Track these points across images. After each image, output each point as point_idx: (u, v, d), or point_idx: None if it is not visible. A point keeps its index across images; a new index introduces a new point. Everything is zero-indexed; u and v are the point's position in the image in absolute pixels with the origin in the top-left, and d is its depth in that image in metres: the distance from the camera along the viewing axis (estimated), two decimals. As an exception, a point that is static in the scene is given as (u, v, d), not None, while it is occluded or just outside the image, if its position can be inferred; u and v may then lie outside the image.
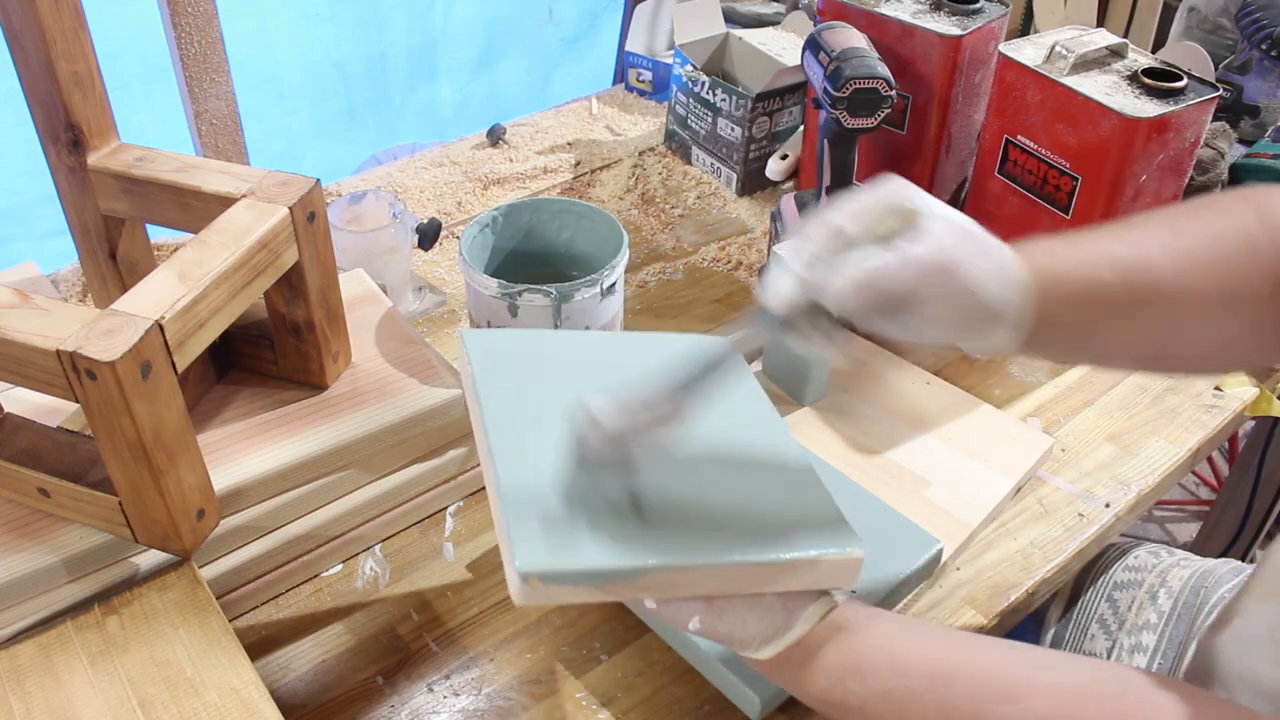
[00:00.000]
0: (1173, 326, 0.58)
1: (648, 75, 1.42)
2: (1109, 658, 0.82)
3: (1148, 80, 0.86)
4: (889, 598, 0.70)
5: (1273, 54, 1.25)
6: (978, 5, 1.00)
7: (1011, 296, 0.54)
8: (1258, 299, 0.58)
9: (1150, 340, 0.59)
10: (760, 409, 0.67)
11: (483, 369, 0.64)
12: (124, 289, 0.63)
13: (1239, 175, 1.07)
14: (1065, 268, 0.56)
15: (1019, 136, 0.92)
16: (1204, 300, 0.57)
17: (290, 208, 0.69)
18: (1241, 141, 1.20)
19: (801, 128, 1.21)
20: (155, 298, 0.60)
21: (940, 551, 0.73)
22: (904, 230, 0.53)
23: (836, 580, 0.56)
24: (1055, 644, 0.86)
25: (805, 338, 0.54)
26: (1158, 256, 0.57)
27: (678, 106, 1.27)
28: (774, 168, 1.19)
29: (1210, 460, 2.05)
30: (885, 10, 1.00)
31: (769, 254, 0.95)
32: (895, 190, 0.54)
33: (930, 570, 0.74)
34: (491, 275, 0.79)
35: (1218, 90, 0.86)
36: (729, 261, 1.11)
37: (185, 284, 0.62)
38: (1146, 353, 0.61)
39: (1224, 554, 1.48)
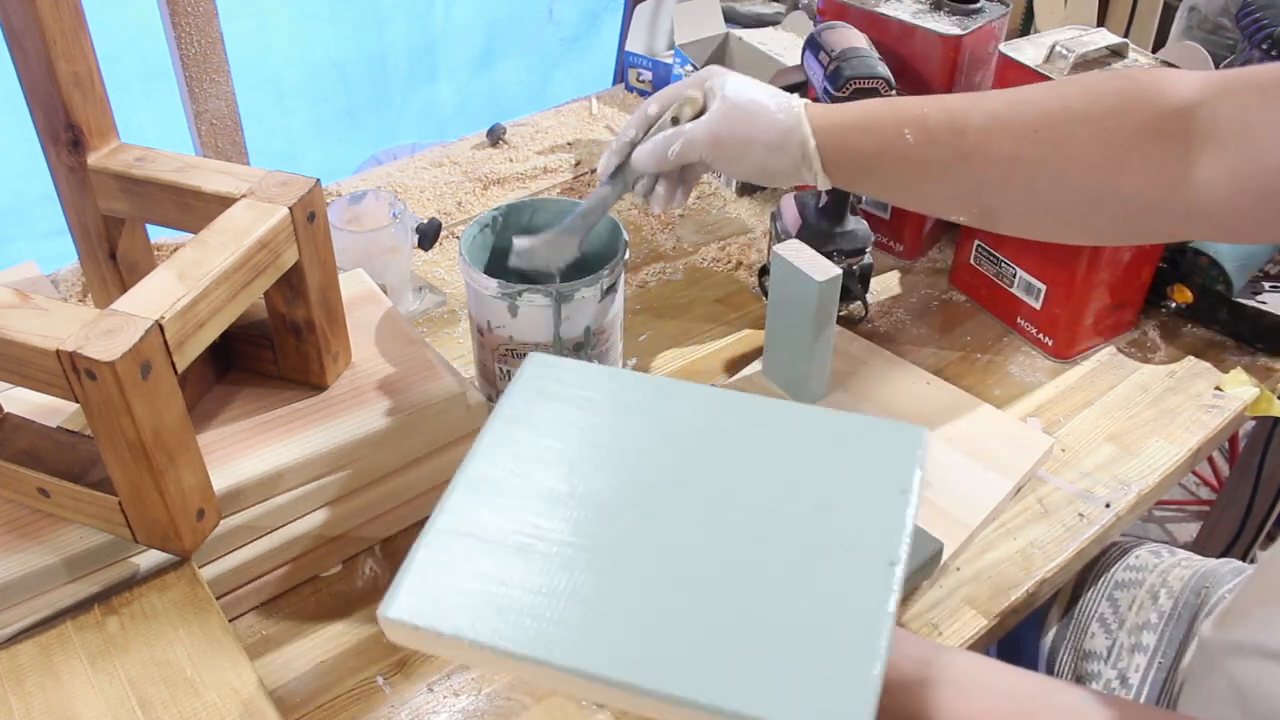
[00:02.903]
0: (986, 185, 0.67)
1: (648, 75, 1.42)
2: (1109, 657, 0.82)
3: (1148, 80, 0.86)
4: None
5: (1273, 54, 1.25)
6: (978, 5, 1.00)
7: (792, 123, 0.70)
8: (1088, 169, 0.63)
9: (969, 196, 0.68)
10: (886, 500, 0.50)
11: (519, 391, 0.56)
12: (124, 289, 0.63)
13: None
14: (844, 108, 0.71)
15: (1019, 136, 0.92)
16: (1019, 164, 0.65)
17: (290, 208, 0.69)
18: (1241, 141, 1.20)
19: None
20: (155, 298, 0.60)
21: (940, 551, 0.73)
22: (701, 107, 0.73)
23: None
24: (1055, 643, 0.86)
25: (638, 192, 0.76)
26: (976, 121, 0.65)
27: (678, 106, 1.26)
28: (774, 168, 1.19)
29: (1210, 460, 2.05)
30: (885, 10, 1.00)
31: (769, 254, 0.95)
32: (698, 76, 0.72)
33: (930, 570, 0.74)
34: (491, 275, 0.79)
35: (1218, 90, 0.86)
36: (729, 261, 1.11)
37: (185, 284, 0.62)
38: (972, 209, 0.69)
39: (1224, 554, 1.48)
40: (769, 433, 0.54)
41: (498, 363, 0.84)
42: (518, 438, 0.54)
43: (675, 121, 0.73)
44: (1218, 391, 0.95)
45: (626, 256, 0.82)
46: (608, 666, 0.44)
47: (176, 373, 0.61)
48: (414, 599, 0.47)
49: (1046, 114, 0.64)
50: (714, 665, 0.44)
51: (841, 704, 0.42)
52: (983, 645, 0.74)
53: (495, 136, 1.31)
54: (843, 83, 0.88)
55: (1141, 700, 0.79)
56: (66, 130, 0.71)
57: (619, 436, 0.54)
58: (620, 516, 0.51)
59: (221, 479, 0.68)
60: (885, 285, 1.08)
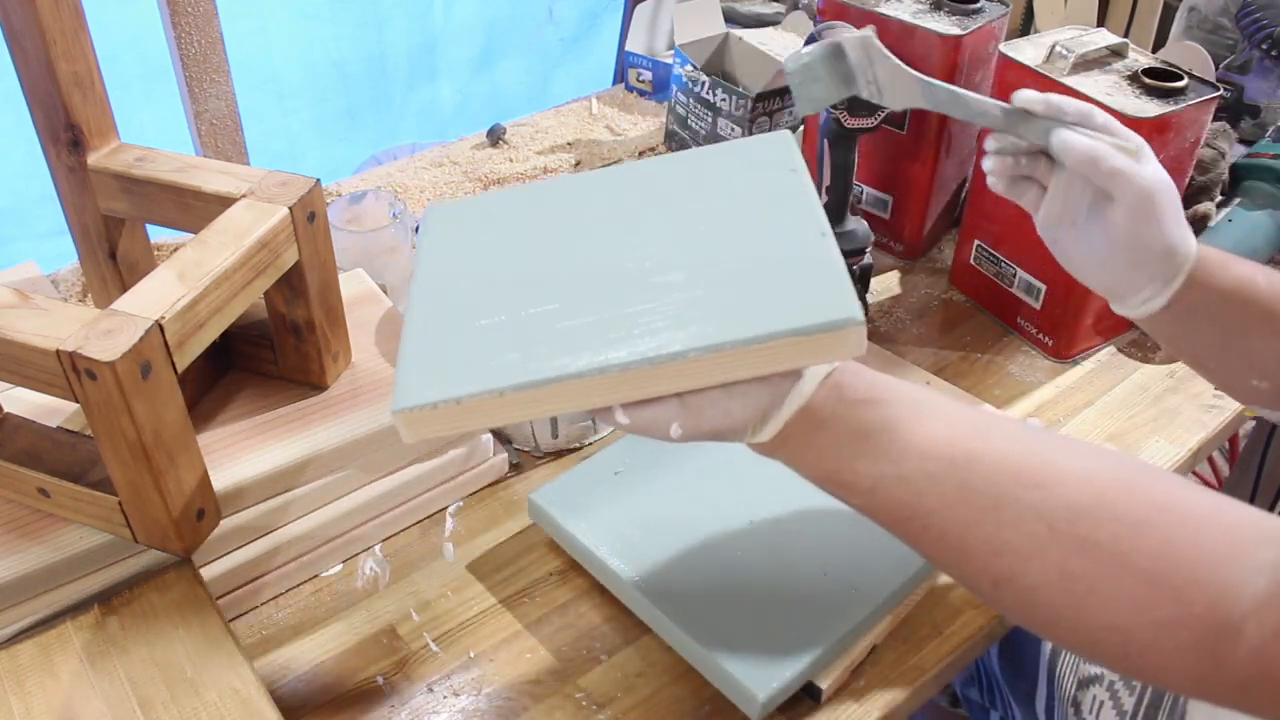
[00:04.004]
0: None
1: (648, 75, 1.42)
2: (1109, 658, 0.82)
3: (1148, 80, 0.86)
4: (889, 598, 0.70)
5: (1273, 54, 1.25)
6: (978, 5, 1.00)
7: (1185, 248, 0.62)
8: None
9: None
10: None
11: (431, 237, 0.61)
12: (124, 289, 0.63)
13: (1239, 175, 1.07)
14: (1226, 257, 0.63)
15: (1019, 136, 0.92)
16: None
17: (290, 208, 0.69)
18: (1242, 141, 1.20)
19: (801, 128, 1.21)
20: (155, 298, 0.60)
21: (940, 551, 0.73)
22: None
23: (830, 356, 0.49)
24: (1056, 646, 0.86)
25: (1007, 138, 0.64)
26: None
27: (678, 106, 1.27)
28: (774, 168, 1.19)
29: (1210, 460, 2.05)
30: (885, 10, 1.00)
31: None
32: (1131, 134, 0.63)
33: (930, 570, 0.74)
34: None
35: (1218, 90, 0.86)
36: (729, 261, 1.11)
37: (185, 284, 0.62)
38: None
39: (1224, 554, 1.48)
40: (668, 175, 0.61)
41: (498, 362, 0.84)
42: (447, 254, 0.59)
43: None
44: (1218, 392, 0.95)
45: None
46: (631, 354, 0.49)
47: (176, 373, 0.61)
48: (414, 388, 0.51)
49: None
50: (706, 319, 0.49)
51: (825, 295, 0.49)
52: (982, 646, 0.74)
53: (495, 136, 1.31)
54: (843, 83, 0.88)
55: (1144, 705, 0.79)
56: (66, 130, 0.71)
57: (537, 216, 0.60)
58: (561, 260, 0.56)
59: (221, 479, 0.68)
60: (885, 285, 1.08)
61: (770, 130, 1.19)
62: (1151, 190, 0.60)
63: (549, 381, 0.49)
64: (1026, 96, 0.62)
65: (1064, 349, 0.97)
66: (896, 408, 0.52)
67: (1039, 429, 0.54)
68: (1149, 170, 0.61)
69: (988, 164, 0.67)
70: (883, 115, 0.90)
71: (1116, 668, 0.49)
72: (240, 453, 0.71)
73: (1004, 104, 0.63)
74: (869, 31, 0.61)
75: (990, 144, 0.67)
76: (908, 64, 1.00)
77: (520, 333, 0.52)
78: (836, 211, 0.95)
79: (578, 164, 1.27)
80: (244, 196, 0.69)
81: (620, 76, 1.50)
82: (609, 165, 0.60)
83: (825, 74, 0.62)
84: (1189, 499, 0.48)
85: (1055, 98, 0.62)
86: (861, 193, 1.12)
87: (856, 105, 0.89)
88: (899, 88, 0.62)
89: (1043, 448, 0.50)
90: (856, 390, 0.52)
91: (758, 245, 0.53)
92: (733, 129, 1.19)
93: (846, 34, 0.61)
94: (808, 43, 0.95)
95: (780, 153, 0.60)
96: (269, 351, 0.77)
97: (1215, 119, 1.03)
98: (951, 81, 0.99)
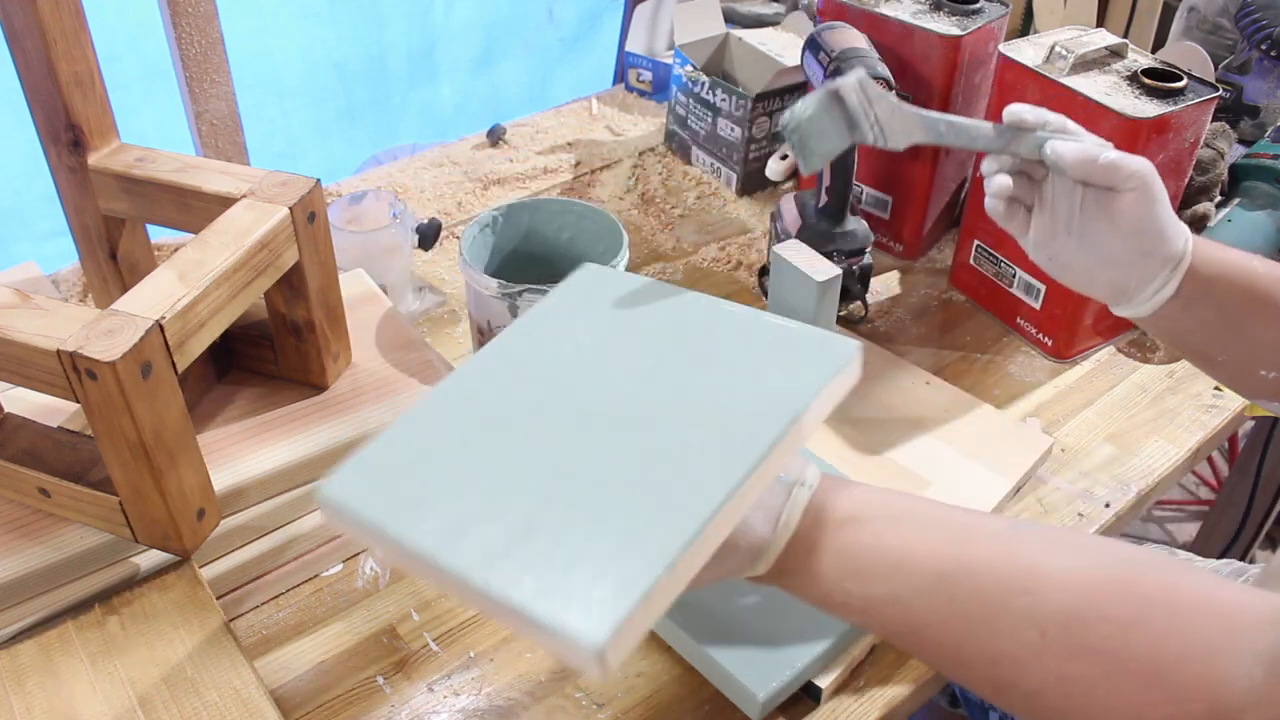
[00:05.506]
0: None
1: (648, 75, 1.42)
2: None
3: (1147, 80, 0.86)
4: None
5: (1273, 54, 1.25)
6: (978, 5, 1.00)
7: (1183, 231, 0.63)
8: None
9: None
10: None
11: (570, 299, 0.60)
12: (124, 289, 0.63)
13: (1239, 175, 1.07)
14: (1224, 250, 0.65)
15: (1019, 136, 0.92)
16: None
17: (290, 208, 0.69)
18: (1241, 142, 1.20)
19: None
20: (155, 298, 0.60)
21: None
22: None
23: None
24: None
25: (1005, 157, 0.66)
26: None
27: (678, 106, 1.27)
28: (774, 168, 1.19)
29: (1210, 460, 2.05)
30: (885, 10, 1.00)
31: (769, 254, 0.95)
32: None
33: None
34: (491, 275, 0.79)
35: (1218, 90, 0.86)
36: (729, 262, 1.11)
37: (185, 284, 0.62)
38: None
39: (1224, 554, 1.49)
40: (724, 339, 0.56)
41: (498, 363, 0.84)
42: (503, 358, 0.57)
43: None
44: (1217, 391, 0.95)
45: (626, 257, 0.82)
46: (442, 554, 0.45)
47: (177, 373, 0.61)
48: (356, 483, 0.50)
49: None
50: (521, 555, 0.45)
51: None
52: (982, 645, 0.75)
53: (495, 137, 1.31)
54: (842, 83, 0.88)
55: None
56: (67, 130, 0.71)
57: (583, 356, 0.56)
58: (551, 425, 0.52)
59: (221, 479, 0.68)
60: (885, 285, 1.08)
61: (769, 131, 1.19)
62: (1148, 170, 0.62)
63: (415, 556, 0.46)
64: (1015, 110, 0.63)
65: (1063, 349, 0.98)
66: (877, 524, 0.52)
67: (1026, 525, 0.53)
68: (1135, 155, 0.62)
69: (990, 186, 0.67)
70: (882, 115, 0.90)
71: None
72: (240, 453, 0.71)
73: (995, 124, 0.64)
74: (862, 72, 0.62)
75: (988, 166, 0.67)
76: (907, 64, 1.00)
77: (450, 490, 0.49)
78: (836, 211, 0.95)
79: (578, 164, 1.27)
80: (244, 197, 0.69)
81: (620, 77, 1.50)
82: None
83: (830, 126, 0.60)
84: (1179, 586, 0.47)
85: (1041, 109, 0.64)
86: (861, 193, 1.12)
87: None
88: (900, 126, 0.62)
89: (1026, 548, 0.50)
90: (838, 510, 0.52)
91: (659, 481, 0.48)
92: (732, 129, 1.19)
93: (841, 80, 0.60)
94: (806, 45, 0.96)
95: (822, 363, 0.54)
96: (269, 351, 0.77)
97: (1215, 119, 1.03)
98: (951, 81, 0.99)
